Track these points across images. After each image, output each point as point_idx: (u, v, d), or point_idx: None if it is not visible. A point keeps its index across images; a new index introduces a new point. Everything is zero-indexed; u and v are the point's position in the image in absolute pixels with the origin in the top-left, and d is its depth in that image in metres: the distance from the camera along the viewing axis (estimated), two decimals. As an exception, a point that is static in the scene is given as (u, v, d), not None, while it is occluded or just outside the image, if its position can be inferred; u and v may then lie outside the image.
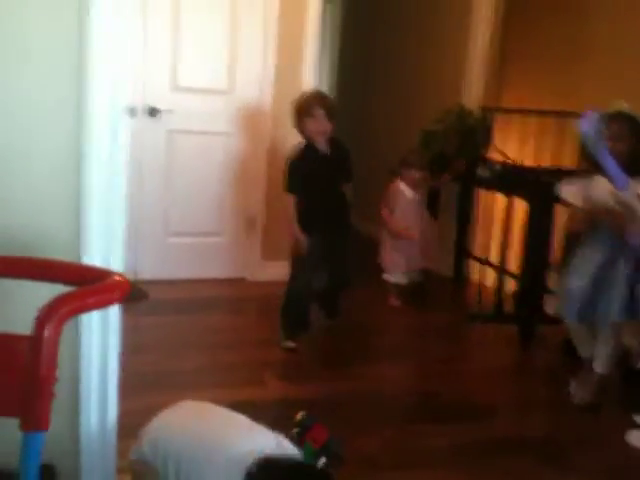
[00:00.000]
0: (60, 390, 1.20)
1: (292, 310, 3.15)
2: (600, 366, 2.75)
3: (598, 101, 3.42)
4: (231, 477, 1.49)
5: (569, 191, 2.82)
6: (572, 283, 2.70)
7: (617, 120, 2.56)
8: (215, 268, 4.13)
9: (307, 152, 3.16)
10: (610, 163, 2.43)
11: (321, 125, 3.08)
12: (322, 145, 3.13)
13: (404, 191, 3.88)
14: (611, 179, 2.45)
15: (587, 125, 2.37)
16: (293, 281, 3.17)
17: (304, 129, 3.12)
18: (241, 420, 1.73)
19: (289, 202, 3.18)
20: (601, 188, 2.63)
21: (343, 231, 3.26)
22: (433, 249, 3.95)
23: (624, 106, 2.59)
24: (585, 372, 2.80)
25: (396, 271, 3.88)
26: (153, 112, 3.88)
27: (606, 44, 3.67)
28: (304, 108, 3.10)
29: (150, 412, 2.46)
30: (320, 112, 3.06)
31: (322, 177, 3.14)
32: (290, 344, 3.12)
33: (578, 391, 2.78)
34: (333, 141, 3.17)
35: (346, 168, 3.23)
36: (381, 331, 3.06)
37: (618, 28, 3.60)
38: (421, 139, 4.18)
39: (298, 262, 3.18)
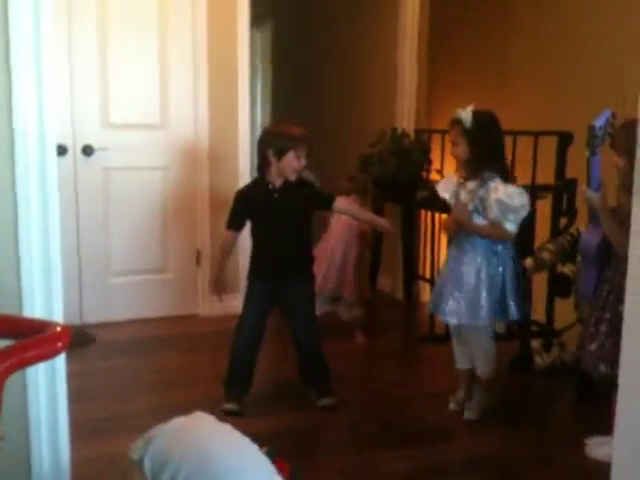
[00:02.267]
0: (9, 445, 1.16)
1: (231, 369, 2.89)
2: (481, 370, 2.85)
3: (525, 118, 3.60)
4: None
5: (441, 186, 2.96)
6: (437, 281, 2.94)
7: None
8: (164, 306, 4.07)
9: (258, 185, 2.91)
10: (597, 164, 2.47)
11: (300, 164, 2.80)
12: (278, 181, 2.83)
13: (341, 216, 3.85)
14: (589, 177, 2.50)
15: (601, 122, 2.41)
16: (234, 336, 2.92)
17: (280, 162, 2.77)
18: (252, 451, 1.66)
19: (224, 237, 2.97)
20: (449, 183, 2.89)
21: (298, 282, 2.88)
22: (350, 278, 3.79)
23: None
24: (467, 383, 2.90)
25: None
26: (87, 150, 3.82)
27: (526, 68, 3.87)
28: (294, 143, 2.77)
29: (105, 459, 2.42)
30: (305, 149, 2.80)
31: (272, 215, 2.86)
32: (229, 406, 2.82)
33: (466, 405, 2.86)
34: (297, 179, 2.87)
35: (316, 198, 2.96)
36: (332, 356, 3.04)
37: (538, 53, 3.79)
38: (359, 163, 4.24)
39: (242, 314, 2.94)
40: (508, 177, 2.77)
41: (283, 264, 2.87)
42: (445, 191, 2.89)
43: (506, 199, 2.60)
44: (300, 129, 2.87)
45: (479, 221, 2.70)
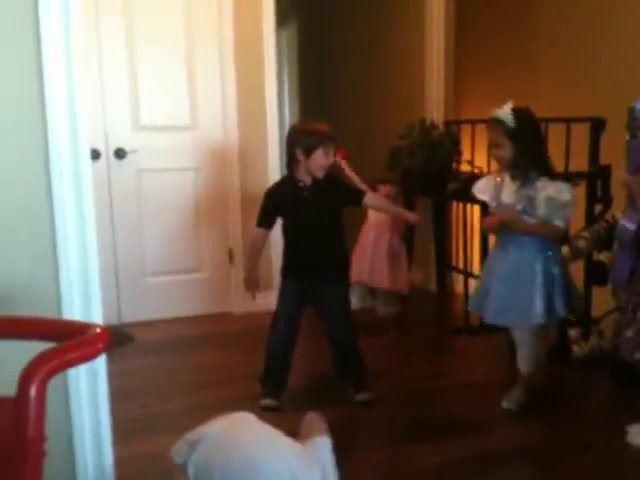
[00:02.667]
0: (52, 447, 1.19)
1: (268, 365, 2.92)
2: (523, 365, 2.82)
3: (552, 107, 3.55)
4: None
5: (479, 188, 2.89)
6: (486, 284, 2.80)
7: None
8: (199, 305, 4.12)
9: (288, 183, 2.91)
10: (636, 146, 2.43)
11: (329, 162, 2.82)
12: (308, 179, 2.84)
13: None
14: (628, 160, 2.46)
15: None
16: (269, 333, 2.95)
17: (308, 160, 2.78)
18: (296, 453, 1.63)
19: (254, 235, 2.98)
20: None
21: (331, 279, 2.87)
22: (388, 271, 3.86)
23: None
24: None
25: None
26: (120, 153, 3.88)
27: (554, 55, 3.82)
28: (322, 141, 2.78)
29: (145, 458, 2.46)
30: (332, 146, 2.81)
31: (302, 212, 2.86)
32: (266, 402, 2.84)
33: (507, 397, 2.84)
34: (327, 175, 2.87)
35: (347, 195, 2.95)
36: (367, 351, 3.04)
37: (565, 40, 3.73)
38: (388, 156, 4.23)
39: (276, 311, 2.96)
40: (553, 173, 2.69)
41: (315, 261, 2.87)
42: (483, 193, 2.84)
43: (555, 195, 2.55)
44: (326, 127, 2.87)
45: (528, 220, 2.65)
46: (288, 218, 2.92)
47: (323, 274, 2.88)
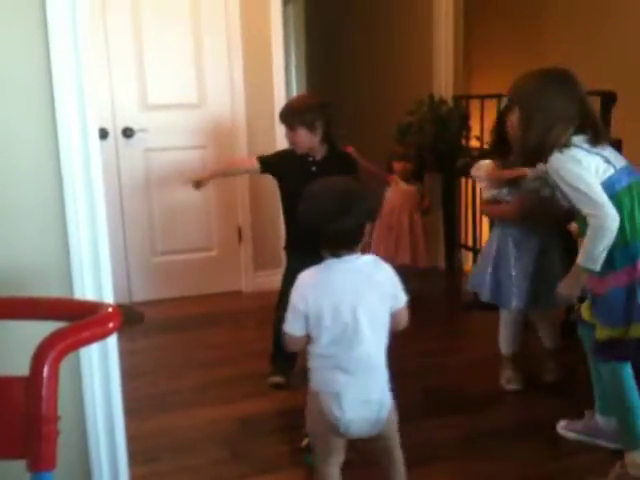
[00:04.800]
0: (65, 425, 1.19)
1: (276, 344, 2.87)
2: (549, 342, 2.88)
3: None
4: None
5: (478, 167, 2.87)
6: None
7: None
8: (208, 283, 4.13)
9: (297, 155, 2.85)
10: None
11: (288, 137, 2.84)
12: (318, 154, 2.81)
13: (399, 184, 3.88)
14: None
15: None
16: (276, 311, 2.88)
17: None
18: None
19: (245, 158, 3.00)
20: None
21: None
22: (410, 247, 3.85)
23: None
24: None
25: None
26: (128, 132, 3.87)
27: (564, 30, 3.76)
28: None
29: (156, 435, 2.49)
30: (285, 125, 2.82)
31: (302, 181, 2.91)
32: (275, 379, 2.88)
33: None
34: (332, 151, 2.85)
35: (346, 168, 2.82)
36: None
37: (575, 14, 3.68)
38: (397, 132, 4.20)
39: (282, 289, 2.89)
40: None
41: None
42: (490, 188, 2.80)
43: None
44: (286, 104, 2.93)
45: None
46: (290, 189, 2.83)
47: None
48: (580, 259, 2.11)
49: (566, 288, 2.22)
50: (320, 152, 2.82)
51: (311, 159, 2.82)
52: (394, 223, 3.83)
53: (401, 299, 1.79)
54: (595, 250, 2.05)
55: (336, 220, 1.70)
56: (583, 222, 2.11)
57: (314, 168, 2.81)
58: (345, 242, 1.75)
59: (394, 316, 1.80)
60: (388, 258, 3.81)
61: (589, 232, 2.06)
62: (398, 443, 1.88)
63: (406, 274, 3.84)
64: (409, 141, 4.09)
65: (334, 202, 1.72)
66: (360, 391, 1.75)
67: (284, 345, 1.86)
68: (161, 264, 4.06)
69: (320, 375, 1.78)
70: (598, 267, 2.07)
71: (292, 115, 2.79)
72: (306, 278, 1.80)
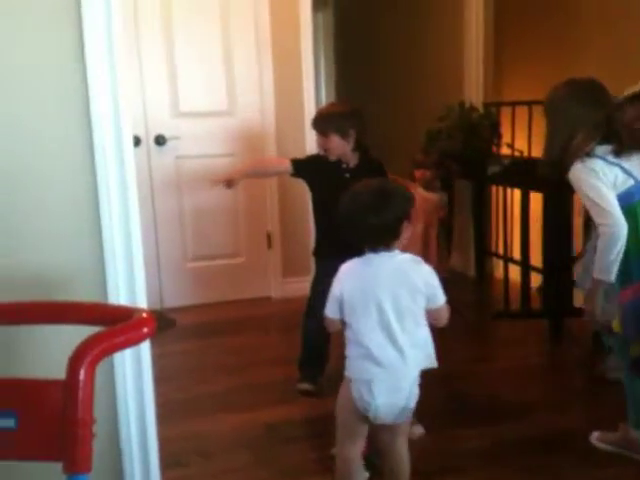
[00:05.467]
0: (99, 428, 1.21)
1: (305, 351, 2.93)
2: None
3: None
4: None
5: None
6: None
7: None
8: (238, 289, 4.15)
9: (330, 161, 2.85)
10: None
11: (321, 144, 2.83)
12: (351, 161, 2.82)
13: (418, 192, 3.84)
14: None
15: None
16: (305, 318, 2.91)
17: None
18: None
19: (280, 160, 2.96)
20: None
21: None
22: (421, 255, 3.81)
23: None
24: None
25: None
26: (160, 140, 3.92)
27: (597, 35, 3.72)
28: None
29: (187, 438, 2.51)
30: (318, 130, 2.83)
31: (341, 192, 2.91)
32: (304, 386, 2.88)
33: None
34: (364, 158, 2.85)
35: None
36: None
37: (608, 19, 3.64)
38: (426, 139, 4.19)
39: (310, 295, 2.92)
40: None
41: (349, 243, 2.85)
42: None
43: None
44: (319, 110, 2.93)
45: None
46: (322, 195, 2.86)
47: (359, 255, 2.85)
48: (594, 272, 2.11)
49: (586, 303, 2.21)
50: (353, 159, 2.82)
51: (345, 166, 2.82)
52: (419, 234, 3.80)
53: (438, 299, 1.87)
54: (605, 260, 2.06)
55: (375, 214, 1.82)
56: None
57: (347, 175, 2.80)
58: (382, 237, 1.86)
59: (431, 313, 1.88)
60: None
61: (599, 243, 2.08)
62: (405, 441, 1.97)
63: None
64: (438, 148, 4.07)
65: (373, 197, 1.85)
66: (391, 380, 1.85)
67: (326, 326, 2.00)
68: (192, 270, 4.10)
69: (354, 364, 1.89)
70: (612, 277, 2.07)
71: (325, 122, 2.81)
72: (345, 267, 1.93)
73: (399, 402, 1.86)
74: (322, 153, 2.85)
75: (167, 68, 3.91)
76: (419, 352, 1.88)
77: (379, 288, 1.84)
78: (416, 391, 1.89)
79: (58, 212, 1.68)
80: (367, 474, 2.13)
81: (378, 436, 1.98)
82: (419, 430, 2.59)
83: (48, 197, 1.67)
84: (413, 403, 1.89)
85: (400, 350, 1.84)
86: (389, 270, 1.85)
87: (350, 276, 1.91)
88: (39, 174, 1.66)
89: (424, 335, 1.90)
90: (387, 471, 2.01)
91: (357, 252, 2.84)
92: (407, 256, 1.88)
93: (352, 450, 1.97)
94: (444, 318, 1.92)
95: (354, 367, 1.90)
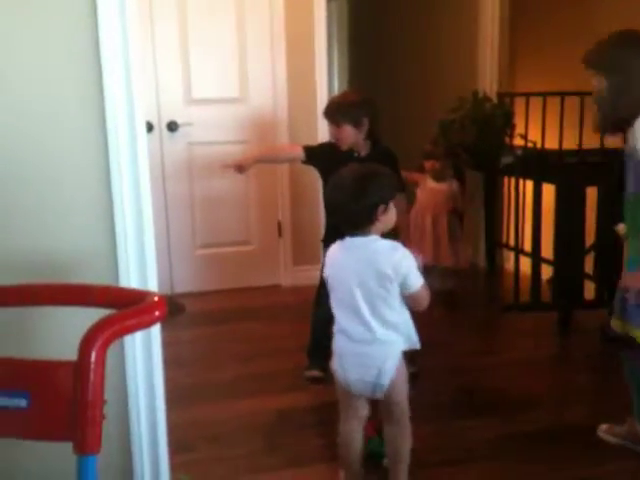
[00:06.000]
0: (108, 411, 1.22)
1: (313, 338, 2.94)
2: None
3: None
4: None
5: None
6: None
7: None
8: (248, 277, 4.17)
9: (343, 150, 2.87)
10: None
11: (333, 134, 2.84)
12: (362, 150, 2.83)
13: (426, 182, 3.83)
14: None
15: None
16: (314, 306, 2.92)
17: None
18: None
19: (291, 145, 3.00)
20: None
21: None
22: (432, 246, 3.76)
23: None
24: None
25: None
26: (172, 126, 3.93)
27: (614, 25, 3.66)
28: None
29: (194, 424, 2.52)
30: (331, 120, 2.83)
31: None
32: (312, 373, 2.90)
33: None
34: (375, 148, 2.84)
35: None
36: (416, 326, 3.04)
37: (627, 4, 3.59)
38: (438, 130, 4.17)
39: (319, 283, 2.88)
40: None
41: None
42: None
43: None
44: (330, 99, 2.92)
45: None
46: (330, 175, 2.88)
47: None
48: None
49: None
50: (364, 149, 2.82)
51: (356, 155, 2.82)
52: (419, 222, 3.80)
53: (412, 285, 1.88)
54: None
55: (352, 199, 1.86)
56: (631, 222, 2.07)
57: (356, 154, 2.81)
58: (357, 222, 1.90)
59: (408, 299, 1.92)
60: (425, 259, 3.80)
61: None
62: (404, 412, 2.00)
63: (443, 272, 3.88)
64: (450, 138, 4.05)
65: (353, 182, 1.89)
66: (359, 356, 1.92)
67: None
68: (202, 257, 4.11)
69: (335, 338, 1.98)
70: None
71: (338, 111, 2.80)
72: (329, 251, 2.03)
73: (368, 378, 1.91)
74: (334, 141, 2.85)
75: (180, 54, 3.91)
76: (393, 333, 1.91)
77: (348, 272, 1.90)
78: (390, 370, 1.91)
79: (71, 197, 1.69)
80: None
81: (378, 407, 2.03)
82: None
83: (62, 182, 1.68)
84: (387, 381, 1.91)
85: (370, 329, 1.89)
86: (360, 256, 1.90)
87: (330, 259, 2.01)
88: (53, 159, 1.67)
89: (400, 318, 1.93)
90: (387, 444, 2.04)
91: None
92: (385, 242, 1.90)
93: (348, 424, 2.02)
94: (422, 303, 1.94)
95: (334, 341, 1.98)
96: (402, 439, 2.00)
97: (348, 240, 1.94)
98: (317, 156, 2.89)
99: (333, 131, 2.83)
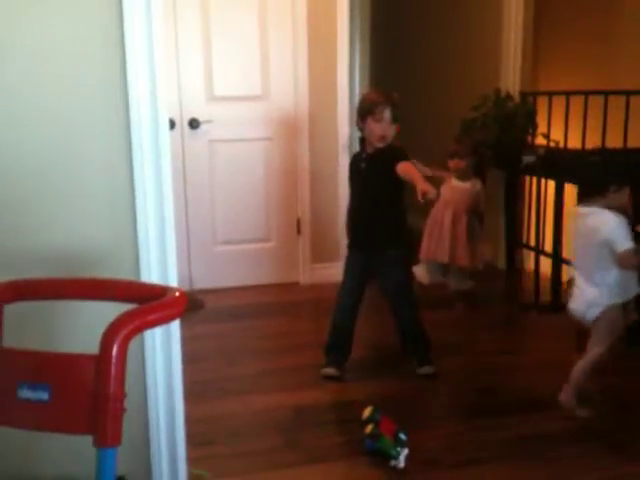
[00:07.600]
0: (128, 404, 1.24)
1: (331, 335, 2.95)
2: None
3: (635, 79, 3.40)
4: None
5: None
6: None
7: None
8: (267, 274, 4.18)
9: (359, 152, 2.95)
10: None
11: (383, 130, 2.76)
12: (371, 149, 2.83)
13: (451, 182, 3.81)
14: None
15: None
16: (335, 302, 2.96)
17: (365, 130, 2.81)
18: None
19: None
20: None
21: (388, 252, 2.83)
22: (449, 245, 3.72)
23: None
24: None
25: (422, 261, 3.78)
26: (193, 123, 3.95)
27: (637, 25, 3.63)
28: (370, 108, 2.77)
29: (213, 419, 2.54)
30: (387, 115, 2.75)
31: (361, 183, 2.90)
32: (328, 371, 2.89)
33: None
34: (388, 146, 2.82)
35: (392, 163, 2.74)
36: (434, 327, 3.03)
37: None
38: (461, 128, 4.15)
39: (342, 282, 2.96)
40: None
41: (372, 233, 2.86)
42: None
43: None
44: (380, 93, 2.86)
45: None
46: (350, 188, 2.97)
47: (380, 245, 2.85)
48: None
49: None
50: (370, 148, 2.85)
51: (364, 155, 2.86)
52: (438, 219, 3.78)
53: None
54: None
55: None
56: None
57: (363, 165, 2.86)
58: None
59: None
60: (430, 254, 3.81)
61: None
62: None
63: (459, 272, 3.86)
64: (473, 137, 4.03)
65: None
66: None
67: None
68: (221, 253, 4.13)
69: None
70: None
71: (395, 109, 2.79)
72: None
73: None
74: (379, 137, 2.78)
75: (203, 52, 3.93)
76: None
77: None
78: None
79: (94, 192, 1.70)
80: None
81: None
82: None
83: (85, 178, 1.69)
84: None
85: None
86: None
87: None
88: (76, 155, 1.68)
89: None
90: None
91: (376, 245, 2.87)
92: None
93: None
94: None
95: None
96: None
97: None
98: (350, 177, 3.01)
99: (383, 128, 2.76)
